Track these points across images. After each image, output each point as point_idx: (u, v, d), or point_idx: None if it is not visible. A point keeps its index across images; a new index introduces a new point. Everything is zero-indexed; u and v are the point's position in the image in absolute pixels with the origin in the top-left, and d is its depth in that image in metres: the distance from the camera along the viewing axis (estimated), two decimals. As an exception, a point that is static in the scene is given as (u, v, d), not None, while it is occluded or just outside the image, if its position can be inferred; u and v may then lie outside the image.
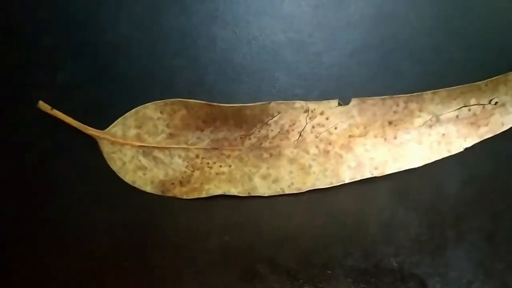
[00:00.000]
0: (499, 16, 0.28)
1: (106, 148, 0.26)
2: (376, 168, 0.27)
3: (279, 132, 0.27)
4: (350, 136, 0.27)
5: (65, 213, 0.27)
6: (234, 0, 0.28)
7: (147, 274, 0.27)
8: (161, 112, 0.26)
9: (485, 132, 0.27)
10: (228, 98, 0.27)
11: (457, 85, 0.27)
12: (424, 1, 0.28)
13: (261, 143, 0.27)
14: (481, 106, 0.27)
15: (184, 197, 0.27)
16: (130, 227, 0.27)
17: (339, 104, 0.27)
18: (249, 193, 0.27)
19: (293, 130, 0.27)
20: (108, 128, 0.26)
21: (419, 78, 0.28)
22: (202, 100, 0.26)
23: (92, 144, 0.26)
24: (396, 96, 0.27)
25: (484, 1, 0.28)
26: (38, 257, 0.27)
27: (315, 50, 0.28)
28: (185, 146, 0.27)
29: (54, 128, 0.27)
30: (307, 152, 0.27)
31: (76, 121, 0.26)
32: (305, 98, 0.27)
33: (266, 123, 0.27)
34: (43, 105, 0.26)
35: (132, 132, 0.26)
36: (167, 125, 0.26)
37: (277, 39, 0.28)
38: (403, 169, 0.27)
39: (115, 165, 0.26)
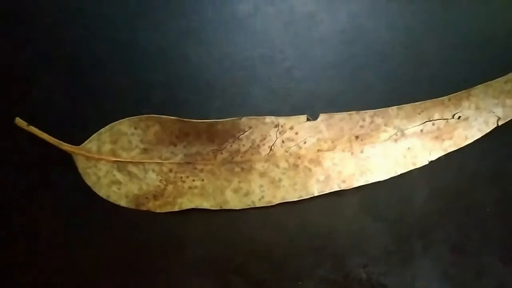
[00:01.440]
0: (465, 33, 0.29)
1: (81, 164, 0.27)
2: (343, 181, 0.27)
3: (250, 146, 0.27)
4: (318, 150, 0.28)
5: (39, 228, 0.27)
6: (208, 17, 0.29)
7: (122, 287, 0.27)
8: (135, 128, 0.27)
9: (449, 146, 0.28)
10: (202, 114, 0.28)
11: (422, 100, 0.27)
12: (392, 18, 0.29)
13: (233, 158, 0.27)
14: (445, 120, 0.28)
15: (158, 210, 0.27)
16: (104, 241, 0.27)
17: (308, 119, 0.27)
18: (220, 207, 0.27)
19: (263, 144, 0.27)
20: (83, 144, 0.27)
21: (386, 93, 0.28)
22: (176, 116, 0.27)
23: (68, 159, 0.27)
24: (362, 111, 0.27)
25: (452, 19, 0.29)
26: (11, 270, 0.27)
27: (287, 66, 0.29)
28: (159, 160, 0.27)
29: (30, 144, 0.27)
30: (277, 166, 0.27)
31: (51, 137, 0.27)
32: (277, 113, 0.28)
33: (238, 138, 0.27)
34: (19, 122, 0.27)
35: (107, 147, 0.27)
36: (141, 141, 0.27)
37: (249, 55, 0.29)
38: (370, 182, 0.27)
39: (90, 180, 0.27)
